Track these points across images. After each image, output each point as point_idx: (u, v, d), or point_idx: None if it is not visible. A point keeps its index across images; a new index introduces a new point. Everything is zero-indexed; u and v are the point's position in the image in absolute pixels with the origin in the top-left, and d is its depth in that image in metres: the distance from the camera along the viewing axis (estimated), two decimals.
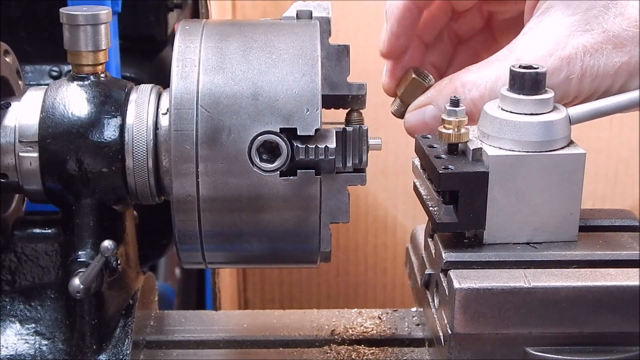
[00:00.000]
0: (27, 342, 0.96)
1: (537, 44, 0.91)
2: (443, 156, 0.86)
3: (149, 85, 0.94)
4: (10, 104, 0.94)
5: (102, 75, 0.94)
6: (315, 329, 1.07)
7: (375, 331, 1.06)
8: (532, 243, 0.86)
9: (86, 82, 0.93)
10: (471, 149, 0.85)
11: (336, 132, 0.88)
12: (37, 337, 0.96)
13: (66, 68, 1.24)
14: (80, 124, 0.90)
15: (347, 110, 0.91)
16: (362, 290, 1.73)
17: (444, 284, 0.84)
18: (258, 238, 0.89)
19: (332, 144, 0.86)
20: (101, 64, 0.94)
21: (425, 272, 0.91)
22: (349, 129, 0.89)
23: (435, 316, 0.89)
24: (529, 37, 0.92)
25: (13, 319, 0.97)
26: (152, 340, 1.05)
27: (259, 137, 0.85)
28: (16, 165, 0.92)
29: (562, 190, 0.85)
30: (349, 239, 1.69)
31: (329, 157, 0.86)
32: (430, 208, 0.88)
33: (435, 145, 0.89)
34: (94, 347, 0.93)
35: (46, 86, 0.94)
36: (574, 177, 0.85)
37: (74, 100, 0.92)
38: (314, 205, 0.87)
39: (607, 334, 0.82)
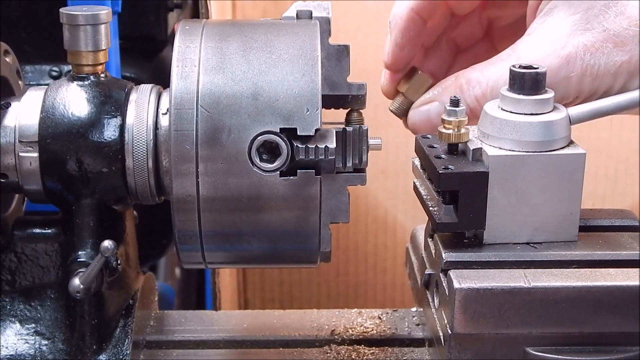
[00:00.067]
0: (27, 342, 0.96)
1: (539, 44, 0.91)
2: (443, 156, 0.86)
3: (149, 85, 0.94)
4: (10, 104, 0.94)
5: (102, 75, 0.94)
6: (315, 329, 1.07)
7: (375, 331, 1.06)
8: (532, 243, 0.86)
9: (86, 82, 0.93)
10: (471, 149, 0.85)
11: (336, 132, 0.88)
12: (37, 337, 0.96)
13: (66, 68, 1.24)
14: (80, 124, 0.90)
15: (347, 110, 0.91)
16: (362, 290, 1.73)
17: (444, 284, 0.84)
18: (258, 238, 0.89)
19: (332, 144, 0.86)
20: (101, 64, 0.94)
21: (425, 272, 0.91)
22: (349, 129, 0.89)
23: (435, 316, 0.89)
24: (532, 38, 0.92)
25: (13, 319, 0.97)
26: (152, 340, 1.05)
27: (259, 137, 0.85)
28: (16, 165, 0.92)
29: (562, 190, 0.85)
30: (349, 239, 1.69)
31: (329, 157, 0.86)
32: (430, 208, 0.88)
33: (435, 145, 0.89)
34: (94, 347, 0.93)
35: (46, 86, 0.94)
36: (574, 177, 0.85)
37: (74, 100, 0.92)
38: (314, 205, 0.87)
39: (607, 334, 0.82)
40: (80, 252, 0.92)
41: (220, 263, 0.99)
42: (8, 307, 0.97)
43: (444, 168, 0.84)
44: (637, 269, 0.83)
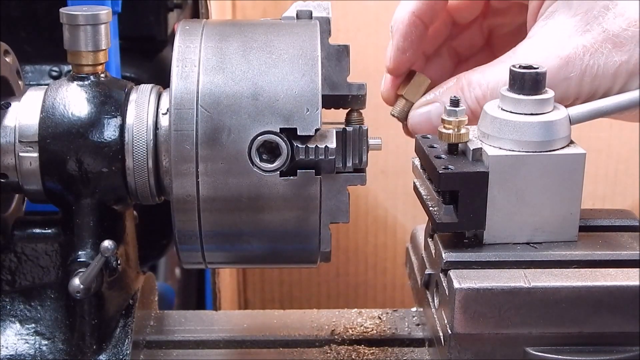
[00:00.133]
0: (27, 342, 0.96)
1: (540, 46, 0.91)
2: (443, 156, 0.86)
3: (149, 85, 0.94)
4: (10, 104, 0.94)
5: (102, 75, 0.94)
6: (315, 329, 1.07)
7: (375, 331, 1.06)
8: (532, 243, 0.86)
9: (86, 82, 0.93)
10: (471, 149, 0.85)
11: (336, 132, 0.88)
12: (37, 337, 0.96)
13: (66, 68, 1.24)
14: (80, 124, 0.90)
15: (347, 110, 0.91)
16: (362, 290, 1.73)
17: (444, 284, 0.84)
18: (258, 238, 0.89)
19: (332, 144, 0.86)
20: (101, 64, 0.94)
21: (425, 272, 0.91)
22: (349, 129, 0.89)
23: (435, 316, 0.89)
24: (533, 40, 0.93)
25: (13, 319, 0.97)
26: (152, 340, 1.05)
27: (259, 137, 0.85)
28: (16, 165, 0.92)
29: (562, 190, 0.85)
30: (349, 239, 1.69)
31: (329, 157, 0.86)
32: (430, 208, 0.88)
33: (435, 145, 0.89)
34: (94, 347, 0.93)
35: (46, 86, 0.94)
36: (574, 177, 0.85)
37: (74, 100, 0.92)
38: (314, 205, 0.87)
39: (607, 334, 0.82)
40: (80, 252, 0.92)
41: (220, 263, 0.99)
42: (8, 307, 0.97)
43: (444, 168, 0.84)
44: (637, 269, 0.83)
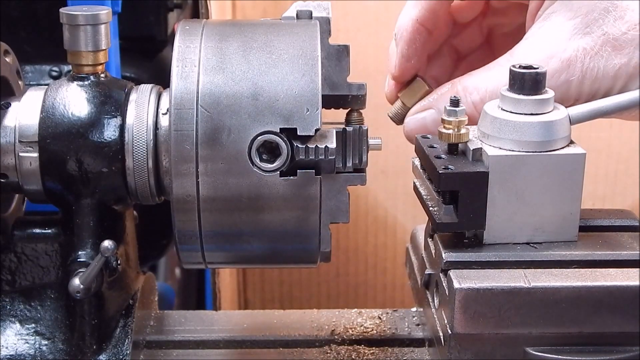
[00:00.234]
0: (27, 342, 0.96)
1: (538, 47, 0.91)
2: (443, 156, 0.86)
3: (149, 85, 0.94)
4: (10, 104, 0.94)
5: (102, 75, 0.94)
6: (315, 329, 1.07)
7: (375, 331, 1.06)
8: (532, 243, 0.86)
9: (86, 82, 0.93)
10: (471, 149, 0.85)
11: (336, 132, 0.88)
12: (37, 337, 0.96)
13: (66, 68, 1.24)
14: (80, 124, 0.90)
15: (347, 110, 0.91)
16: (362, 290, 1.73)
17: (444, 284, 0.84)
18: (258, 238, 0.89)
19: (332, 144, 0.86)
20: (101, 64, 0.94)
21: (425, 272, 0.91)
22: (349, 129, 0.89)
23: (435, 316, 0.89)
24: (530, 42, 0.93)
25: (13, 319, 0.97)
26: (152, 340, 1.05)
27: (259, 137, 0.85)
28: (16, 165, 0.92)
29: (562, 190, 0.85)
30: (349, 239, 1.69)
31: (329, 157, 0.86)
32: (430, 208, 0.88)
33: (435, 145, 0.89)
34: (94, 347, 0.93)
35: (46, 86, 0.94)
36: (574, 177, 0.85)
37: (74, 100, 0.92)
38: (314, 205, 0.87)
39: (607, 334, 0.82)
40: (80, 252, 0.92)
41: (220, 263, 0.99)
42: (8, 307, 0.97)
43: (444, 168, 0.84)
44: (637, 269, 0.83)
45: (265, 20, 0.94)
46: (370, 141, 0.90)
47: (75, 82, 0.93)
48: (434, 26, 1.01)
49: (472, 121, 0.90)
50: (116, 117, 0.91)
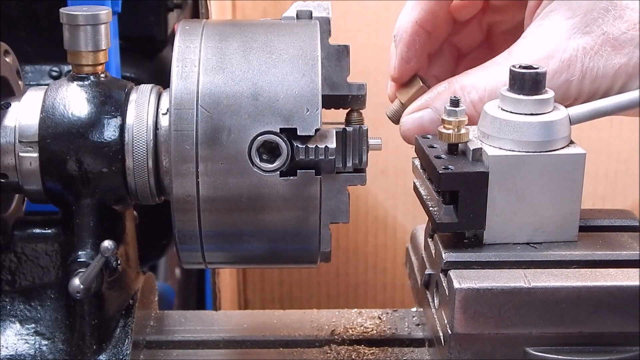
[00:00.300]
0: (27, 342, 0.96)
1: (536, 46, 0.91)
2: (443, 156, 0.86)
3: (149, 85, 0.94)
4: (10, 104, 0.94)
5: (102, 75, 0.94)
6: (315, 329, 1.07)
7: (375, 331, 1.06)
8: (532, 243, 0.86)
9: (86, 82, 0.93)
10: (471, 149, 0.85)
11: (336, 132, 0.88)
12: (37, 337, 0.96)
13: (66, 68, 1.24)
14: (80, 124, 0.90)
15: (347, 110, 0.91)
16: (362, 290, 1.73)
17: (444, 284, 0.84)
18: (258, 238, 0.89)
19: (332, 144, 0.86)
20: (101, 64, 0.94)
21: (425, 272, 0.91)
22: (349, 129, 0.89)
23: (435, 316, 0.89)
24: (528, 41, 0.92)
25: (13, 319, 0.97)
26: (152, 340, 1.05)
27: (259, 137, 0.85)
28: (16, 165, 0.92)
29: (562, 190, 0.85)
30: (349, 239, 1.69)
31: (329, 157, 0.86)
32: (430, 208, 0.88)
33: (435, 145, 0.89)
34: (94, 347, 0.93)
35: (46, 86, 0.94)
36: (574, 177, 0.85)
37: (74, 100, 0.92)
38: (314, 205, 0.87)
39: (607, 334, 0.82)
40: (80, 252, 0.92)
41: (220, 263, 0.99)
42: (8, 307, 0.97)
43: (444, 168, 0.84)
44: (637, 269, 0.83)
45: (265, 20, 0.94)
46: (370, 141, 0.90)
47: (75, 82, 0.93)
48: (433, 27, 1.01)
49: (471, 121, 0.90)
50: (116, 117, 0.91)
